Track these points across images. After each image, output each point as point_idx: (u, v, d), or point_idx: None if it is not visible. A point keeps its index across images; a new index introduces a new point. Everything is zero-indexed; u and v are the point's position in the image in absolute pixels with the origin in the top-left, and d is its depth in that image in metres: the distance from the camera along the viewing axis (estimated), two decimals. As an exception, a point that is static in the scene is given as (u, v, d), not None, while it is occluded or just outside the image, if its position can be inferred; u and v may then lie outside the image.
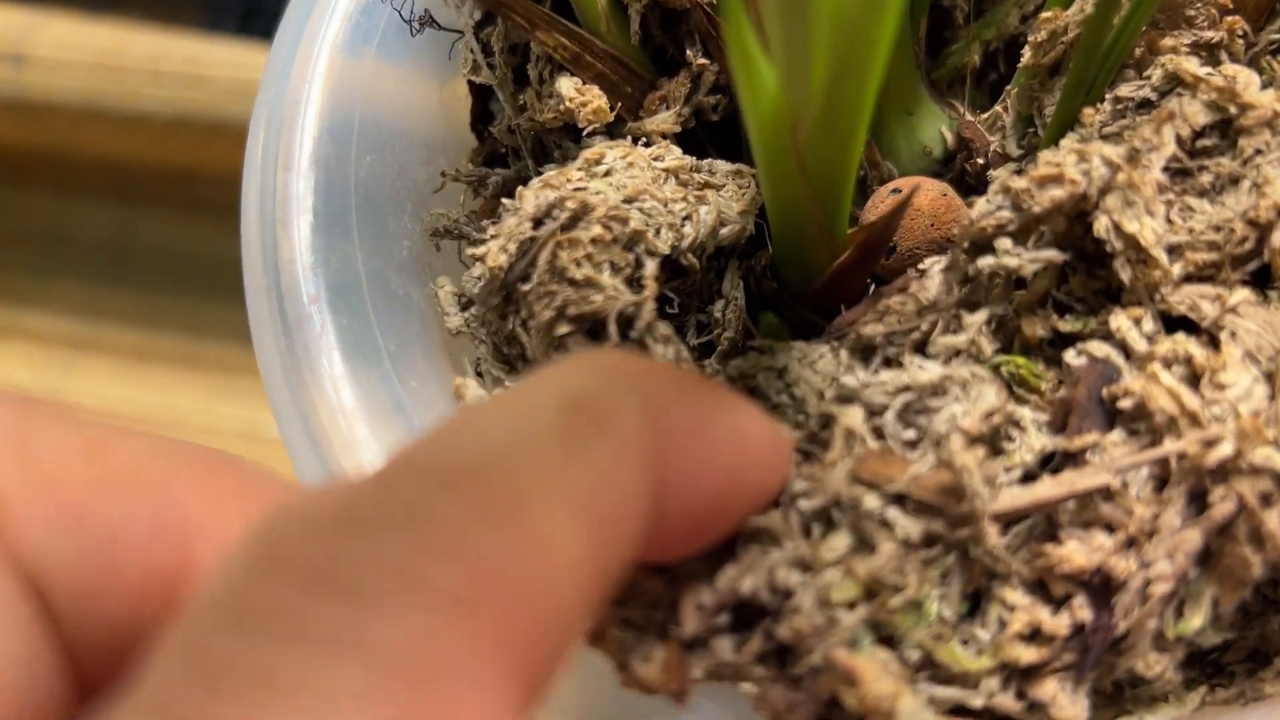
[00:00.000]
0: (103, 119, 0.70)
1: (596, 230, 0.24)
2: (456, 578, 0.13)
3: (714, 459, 0.18)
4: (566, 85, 0.29)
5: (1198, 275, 0.25)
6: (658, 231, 0.25)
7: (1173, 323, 0.24)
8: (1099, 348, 0.23)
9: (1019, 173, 0.27)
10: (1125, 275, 0.24)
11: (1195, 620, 0.22)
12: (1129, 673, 0.22)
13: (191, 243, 0.75)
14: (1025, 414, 0.23)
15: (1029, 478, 0.22)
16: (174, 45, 0.69)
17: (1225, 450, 0.20)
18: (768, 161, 0.24)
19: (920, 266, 0.26)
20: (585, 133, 0.29)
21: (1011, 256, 0.24)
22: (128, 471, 0.16)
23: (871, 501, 0.20)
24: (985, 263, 0.24)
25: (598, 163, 0.26)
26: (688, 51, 0.30)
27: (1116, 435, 0.22)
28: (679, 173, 0.27)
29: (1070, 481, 0.21)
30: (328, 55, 0.31)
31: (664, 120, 0.30)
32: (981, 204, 0.25)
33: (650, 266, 0.24)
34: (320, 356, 0.27)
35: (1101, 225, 0.24)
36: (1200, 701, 0.24)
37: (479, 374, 0.28)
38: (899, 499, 0.20)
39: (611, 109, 0.29)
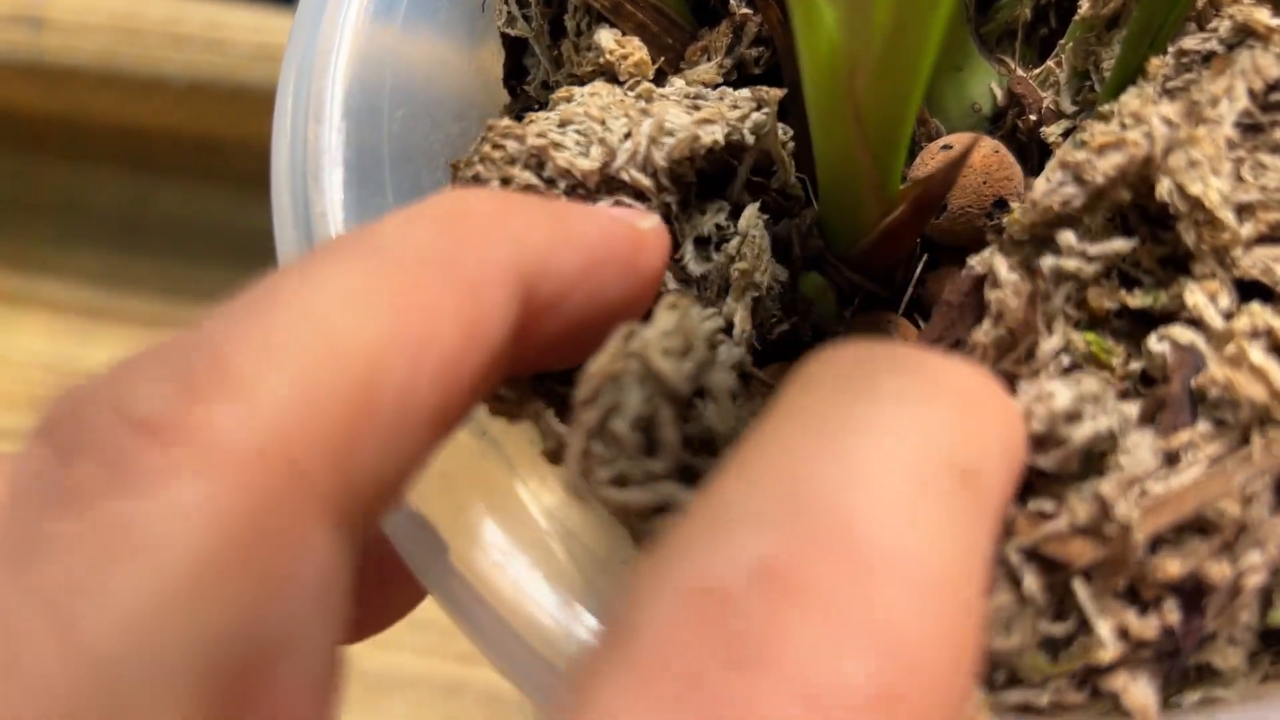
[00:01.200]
0: (120, 82, 0.69)
1: (485, 149, 0.24)
2: None
3: (576, 237, 0.20)
4: (606, 37, 0.28)
5: (1271, 236, 0.24)
6: (586, 151, 0.24)
7: (1245, 288, 0.23)
8: (1183, 334, 0.22)
9: (1077, 144, 0.26)
10: (1190, 239, 0.23)
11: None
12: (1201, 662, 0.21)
13: (209, 210, 0.74)
14: (1129, 411, 0.22)
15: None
16: (194, 8, 0.68)
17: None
18: (821, 109, 0.23)
19: (975, 267, 0.23)
20: (625, 86, 0.28)
21: (1073, 258, 0.23)
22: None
23: (1014, 558, 0.19)
24: (1046, 263, 0.23)
25: (568, 100, 0.26)
26: (730, 1, 0.29)
27: (1204, 427, 0.21)
28: (649, 96, 0.26)
29: (1193, 495, 0.20)
30: (358, 7, 0.30)
31: (705, 71, 0.29)
32: (1041, 183, 0.23)
33: (559, 179, 0.24)
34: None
35: (1164, 187, 0.23)
36: (1263, 676, 0.24)
37: None
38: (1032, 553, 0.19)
39: (653, 62, 0.28)
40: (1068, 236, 0.23)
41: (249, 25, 0.66)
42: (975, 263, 0.23)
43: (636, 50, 0.27)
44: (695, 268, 0.26)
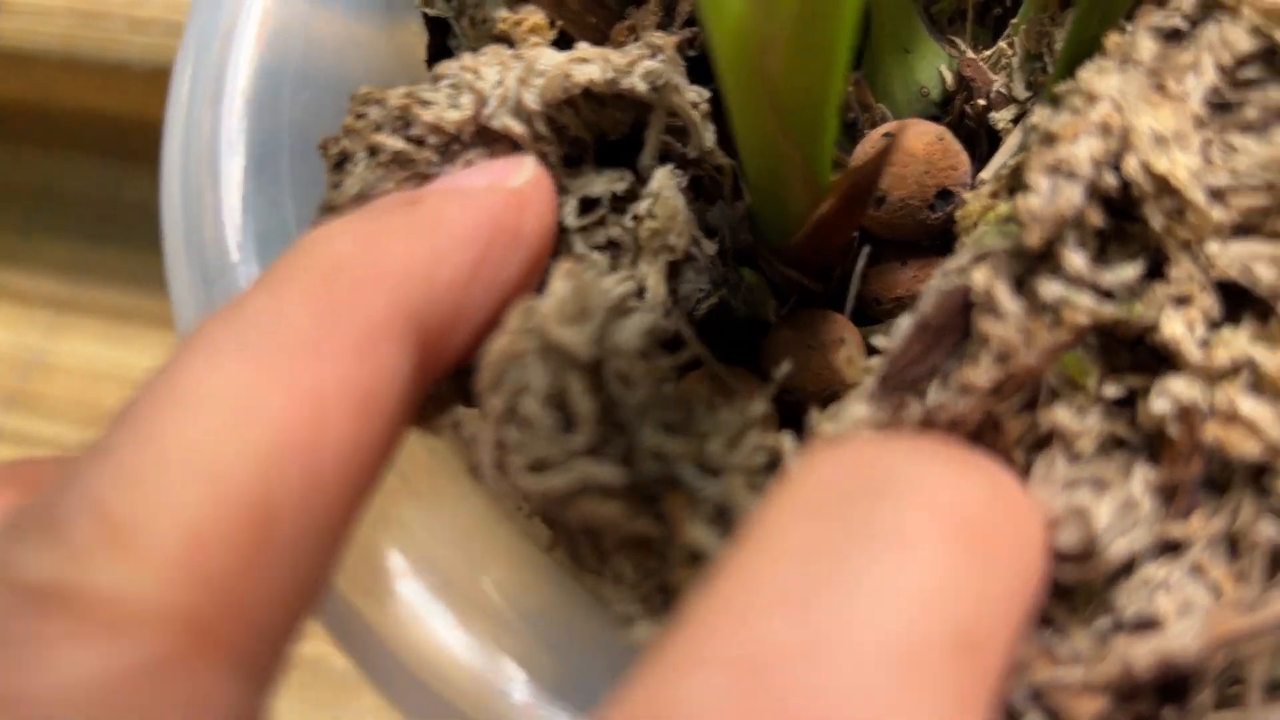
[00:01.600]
0: (82, 67, 0.67)
1: (348, 120, 0.23)
2: None
3: (455, 237, 0.18)
4: (499, 8, 0.26)
5: (1245, 225, 0.21)
6: (457, 102, 0.23)
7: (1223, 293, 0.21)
8: (1182, 387, 0.20)
9: (1043, 138, 0.24)
10: (1157, 223, 0.21)
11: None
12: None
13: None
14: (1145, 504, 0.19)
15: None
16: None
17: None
18: (735, 93, 0.21)
19: (959, 283, 0.19)
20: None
21: (1081, 291, 0.20)
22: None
23: (1019, 694, 0.17)
24: (1050, 292, 0.20)
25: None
26: (659, -23, 0.27)
27: (1201, 495, 0.19)
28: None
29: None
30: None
31: (631, 53, 0.27)
32: (1029, 197, 0.21)
33: (428, 136, 0.23)
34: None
35: (1130, 165, 0.20)
36: None
37: None
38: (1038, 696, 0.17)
39: (558, 33, 0.26)
40: (1075, 260, 0.20)
41: None
42: (961, 277, 0.19)
43: (532, 15, 0.25)
44: (575, 221, 0.24)
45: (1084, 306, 0.20)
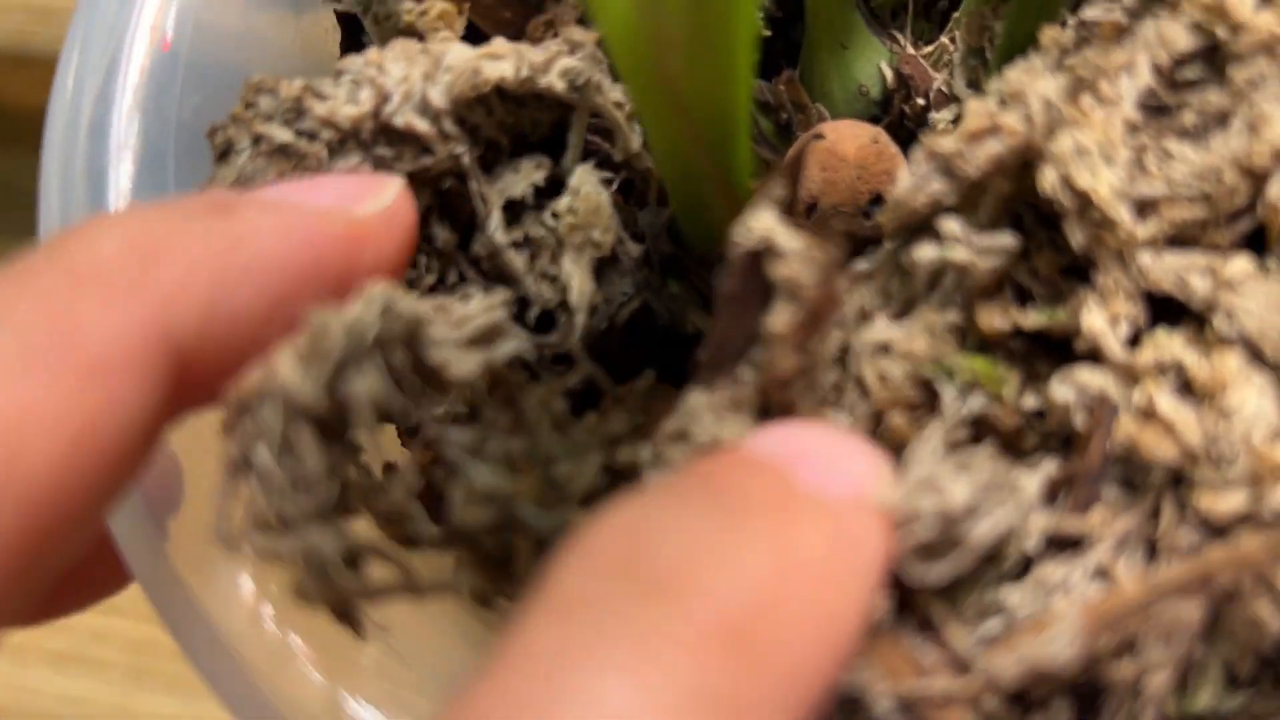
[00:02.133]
0: (35, 64, 0.66)
1: (237, 108, 0.22)
2: None
3: (259, 261, 0.16)
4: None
5: (1179, 237, 0.20)
6: (355, 97, 0.21)
7: (1155, 303, 0.20)
8: (1092, 378, 0.19)
9: (951, 124, 0.23)
10: (1078, 240, 0.19)
11: (1203, 696, 0.18)
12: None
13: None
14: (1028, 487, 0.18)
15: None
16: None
17: (1235, 504, 0.16)
18: (640, 98, 0.20)
19: (744, 243, 0.18)
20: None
21: (958, 246, 0.19)
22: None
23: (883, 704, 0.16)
24: (925, 255, 0.20)
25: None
26: (577, -31, 0.25)
27: (1112, 493, 0.17)
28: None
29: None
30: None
31: (549, 48, 0.25)
32: (904, 177, 0.20)
33: (321, 131, 0.21)
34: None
35: (1048, 180, 0.19)
36: None
37: None
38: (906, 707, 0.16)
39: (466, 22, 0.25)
40: (951, 225, 0.19)
41: None
42: (744, 237, 0.17)
43: (437, 4, 0.23)
44: (504, 238, 0.22)
45: (966, 259, 0.19)
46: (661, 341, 0.25)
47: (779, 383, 0.17)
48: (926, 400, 0.20)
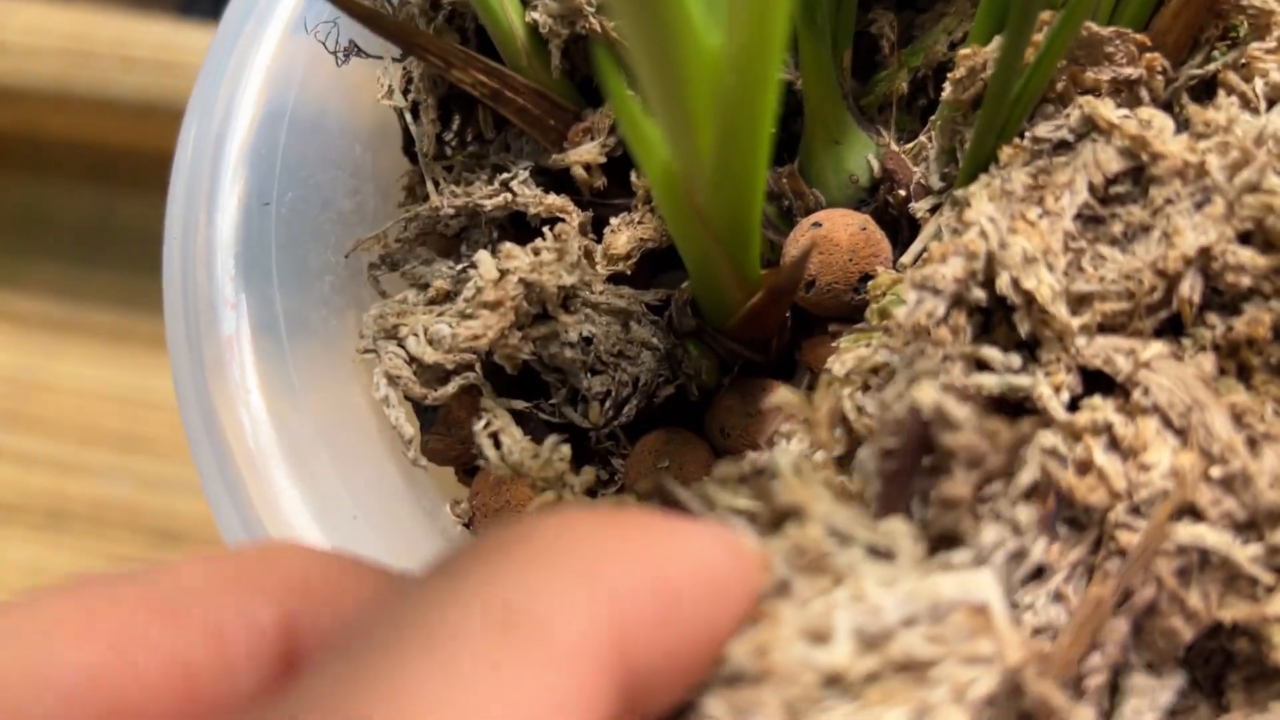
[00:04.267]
0: (74, 103, 0.70)
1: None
2: None
3: (685, 633, 0.16)
4: (485, 263, 0.27)
5: (1110, 325, 0.25)
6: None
7: (1090, 376, 0.24)
8: (1048, 439, 0.23)
9: (928, 213, 0.27)
10: (1024, 329, 0.24)
11: (1131, 700, 0.22)
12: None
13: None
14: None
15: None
16: (144, 30, 0.69)
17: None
18: (670, 216, 0.24)
19: (900, 412, 0.20)
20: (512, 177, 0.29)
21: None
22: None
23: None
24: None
25: None
26: (611, 83, 0.30)
27: (1063, 531, 0.22)
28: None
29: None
30: (257, 80, 0.30)
31: (588, 152, 0.30)
32: (901, 311, 0.24)
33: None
34: (239, 398, 0.27)
35: (1002, 282, 0.24)
36: None
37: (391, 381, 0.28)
38: None
39: (531, 140, 0.29)
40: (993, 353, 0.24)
41: (200, 47, 0.67)
42: (902, 401, 0.20)
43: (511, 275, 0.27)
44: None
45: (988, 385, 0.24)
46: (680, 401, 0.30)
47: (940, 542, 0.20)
48: None
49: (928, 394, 0.20)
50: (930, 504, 0.20)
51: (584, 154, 0.30)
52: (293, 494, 0.26)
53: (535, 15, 0.28)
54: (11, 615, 0.15)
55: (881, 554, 0.18)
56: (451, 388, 0.28)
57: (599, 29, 0.28)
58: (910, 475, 0.20)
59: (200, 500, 0.69)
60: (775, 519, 0.19)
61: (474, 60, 0.28)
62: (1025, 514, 0.22)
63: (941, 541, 0.20)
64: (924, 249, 0.30)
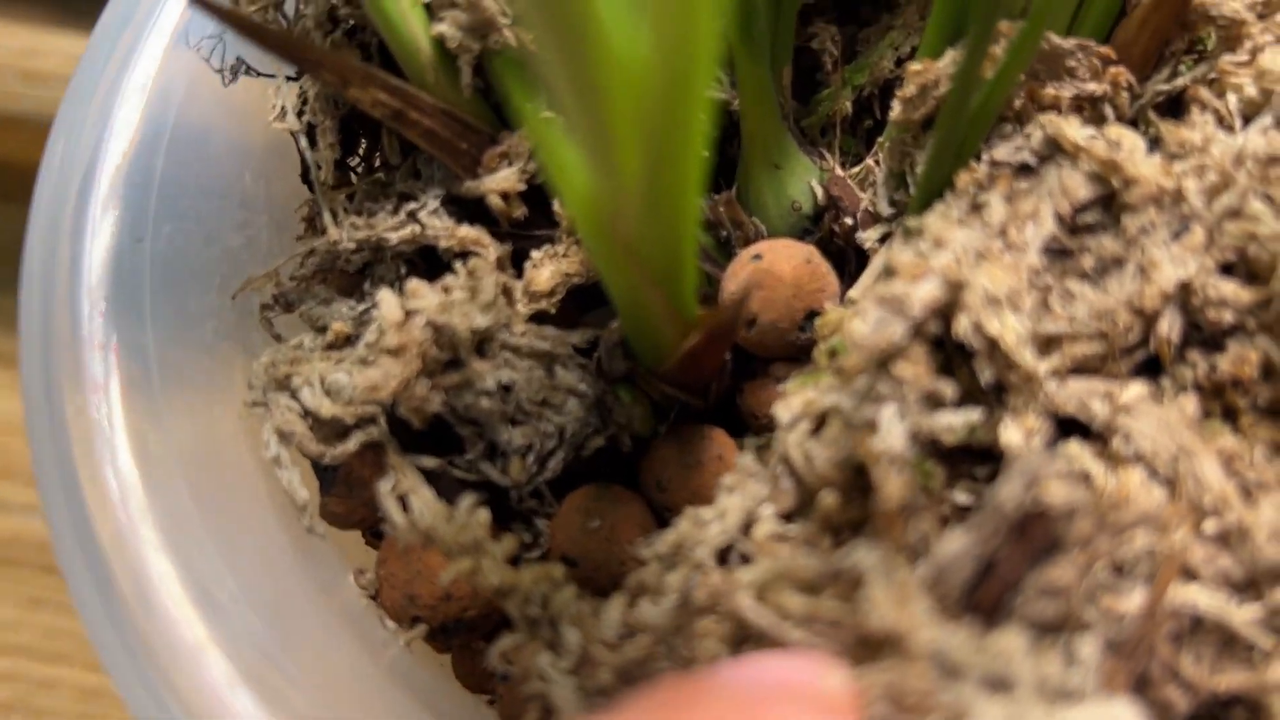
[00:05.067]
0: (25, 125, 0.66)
1: None
2: None
3: None
4: (388, 303, 0.24)
5: (1082, 368, 0.22)
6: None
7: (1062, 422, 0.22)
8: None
9: (884, 270, 0.25)
10: (986, 376, 0.21)
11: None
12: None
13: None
14: None
15: None
16: (51, 42, 0.65)
17: (1134, 604, 0.18)
18: (595, 250, 0.22)
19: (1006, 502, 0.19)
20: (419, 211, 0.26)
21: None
22: None
23: None
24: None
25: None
26: (529, 106, 0.27)
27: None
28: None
29: None
30: (133, 98, 0.27)
31: (505, 179, 0.27)
32: (859, 325, 0.22)
33: None
34: (104, 460, 0.23)
35: (961, 325, 0.21)
36: None
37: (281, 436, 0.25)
38: None
39: (441, 166, 0.26)
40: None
41: (69, 54, 0.64)
42: (1016, 497, 0.18)
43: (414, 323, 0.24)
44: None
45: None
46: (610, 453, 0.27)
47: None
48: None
49: (1059, 491, 0.18)
50: (1028, 594, 0.18)
51: (500, 181, 0.27)
52: (166, 572, 0.23)
53: (442, 28, 0.25)
54: None
55: (997, 684, 0.15)
56: (352, 444, 0.25)
57: (515, 43, 0.26)
58: (1017, 565, 0.18)
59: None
60: (868, 641, 0.16)
61: (374, 78, 0.25)
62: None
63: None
64: (870, 283, 0.27)
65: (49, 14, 0.69)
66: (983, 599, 0.18)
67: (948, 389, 0.21)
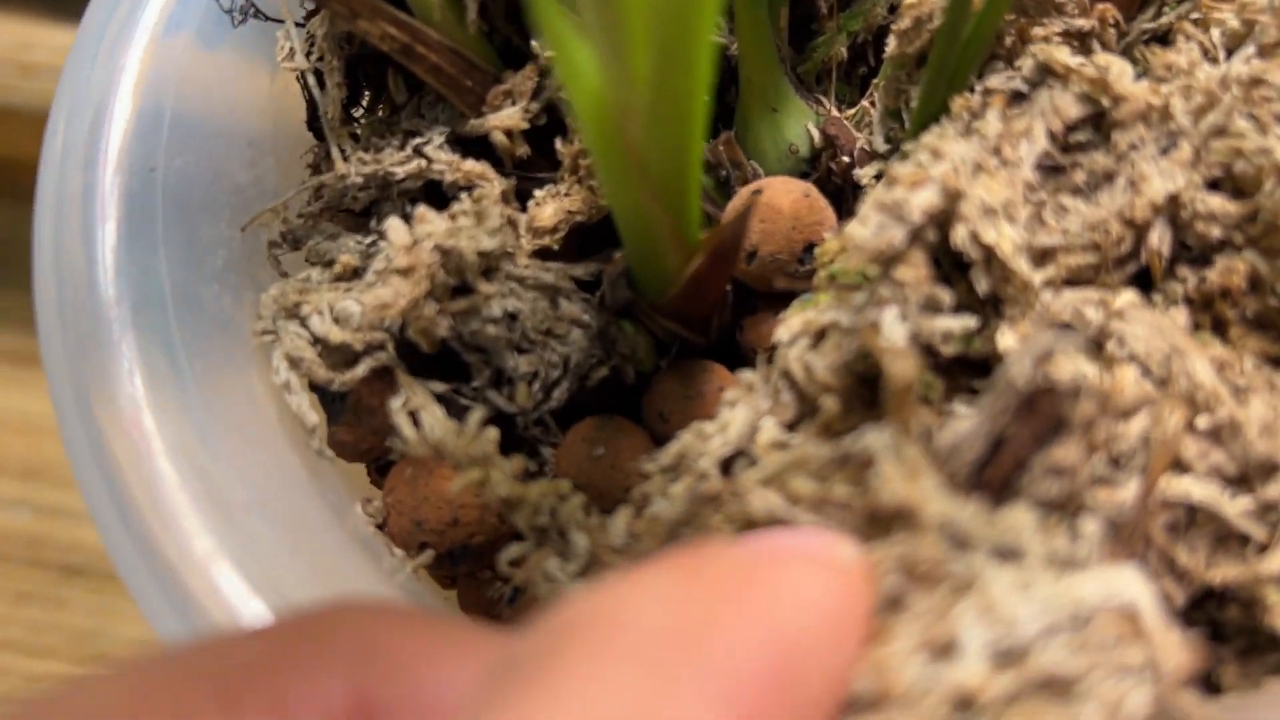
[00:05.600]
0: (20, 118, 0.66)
1: None
2: None
3: (808, 690, 0.14)
4: (396, 230, 0.25)
5: (1075, 280, 0.23)
6: None
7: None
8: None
9: (884, 181, 0.26)
10: (982, 287, 0.22)
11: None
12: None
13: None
14: None
15: None
16: (43, 34, 0.65)
17: (1130, 492, 0.19)
18: (602, 161, 0.22)
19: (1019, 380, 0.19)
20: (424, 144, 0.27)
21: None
22: None
23: None
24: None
25: None
26: (534, 43, 0.28)
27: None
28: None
29: None
30: (141, 41, 0.28)
31: (509, 116, 0.27)
32: (857, 226, 0.22)
33: None
34: (119, 380, 0.24)
35: (959, 235, 0.22)
36: None
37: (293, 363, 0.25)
38: None
39: (446, 106, 0.27)
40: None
41: (61, 47, 0.64)
42: (1027, 374, 0.18)
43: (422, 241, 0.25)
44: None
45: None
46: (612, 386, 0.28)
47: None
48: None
49: (1066, 367, 0.18)
50: (1035, 472, 0.18)
51: (505, 119, 0.27)
52: (175, 482, 0.23)
53: (449, -37, 0.26)
54: (55, 707, 0.14)
55: (1006, 554, 0.16)
56: (361, 370, 0.25)
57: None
58: (1025, 443, 0.19)
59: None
60: (878, 518, 0.17)
61: (383, 11, 0.26)
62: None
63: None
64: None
65: (42, 6, 0.69)
66: (990, 478, 0.19)
67: (945, 296, 0.22)
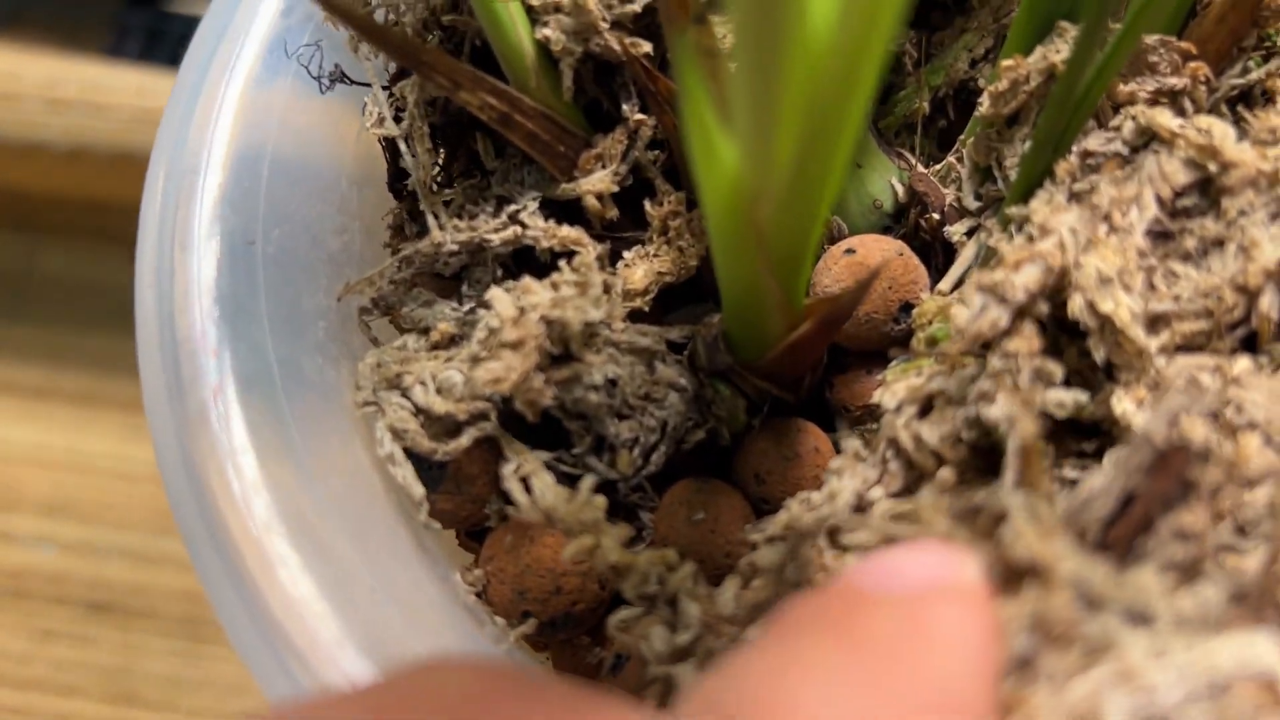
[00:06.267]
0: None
1: None
2: None
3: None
4: (502, 300, 0.25)
5: (1187, 346, 0.23)
6: None
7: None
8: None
9: (989, 259, 0.26)
10: (1100, 355, 0.22)
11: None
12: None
13: (95, 274, 0.71)
14: None
15: None
16: (73, 71, 0.65)
17: (1256, 560, 0.19)
18: (723, 238, 0.22)
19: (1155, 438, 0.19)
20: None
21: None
22: None
23: None
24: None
25: None
26: (624, 106, 0.28)
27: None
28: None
29: None
30: (231, 112, 0.28)
31: (600, 180, 0.27)
32: (961, 311, 0.22)
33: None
34: (226, 460, 0.24)
35: (1075, 305, 0.22)
36: None
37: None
38: None
39: (554, 166, 0.27)
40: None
41: (130, 88, 0.64)
42: (1160, 439, 0.19)
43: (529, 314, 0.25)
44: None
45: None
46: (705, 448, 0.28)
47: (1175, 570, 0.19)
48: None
49: (1200, 429, 0.19)
50: (1161, 535, 0.18)
51: (596, 183, 0.27)
52: (295, 563, 0.23)
53: (547, 32, 0.26)
54: None
55: (1138, 618, 0.16)
56: (465, 439, 0.25)
57: (615, 47, 0.26)
58: (1153, 503, 0.19)
59: (132, 567, 0.63)
60: (1007, 573, 0.17)
61: (483, 81, 0.26)
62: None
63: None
64: (964, 274, 0.28)
65: (69, 43, 0.69)
66: (1116, 538, 0.19)
67: (1057, 370, 0.22)
